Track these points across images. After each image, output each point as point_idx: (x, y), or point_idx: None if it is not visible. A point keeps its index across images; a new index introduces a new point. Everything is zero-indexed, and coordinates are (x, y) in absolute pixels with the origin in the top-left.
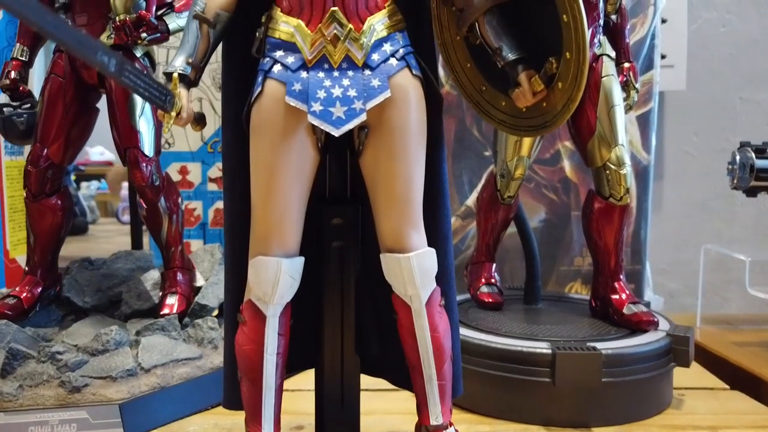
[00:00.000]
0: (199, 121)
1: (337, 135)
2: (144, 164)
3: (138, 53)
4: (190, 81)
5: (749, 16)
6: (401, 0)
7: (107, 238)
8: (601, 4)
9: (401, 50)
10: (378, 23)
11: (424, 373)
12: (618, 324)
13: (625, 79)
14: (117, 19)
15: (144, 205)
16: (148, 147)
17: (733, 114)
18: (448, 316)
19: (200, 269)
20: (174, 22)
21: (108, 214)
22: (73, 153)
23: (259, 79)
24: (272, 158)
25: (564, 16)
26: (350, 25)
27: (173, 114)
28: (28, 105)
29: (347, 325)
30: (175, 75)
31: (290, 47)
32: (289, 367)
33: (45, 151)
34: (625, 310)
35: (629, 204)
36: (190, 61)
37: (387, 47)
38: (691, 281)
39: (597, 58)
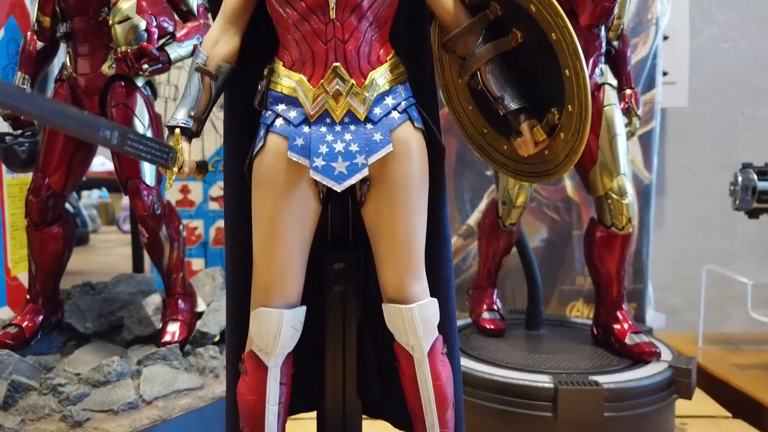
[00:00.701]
0: (200, 169)
1: (339, 191)
2: (145, 194)
3: (139, 83)
4: (192, 133)
5: (751, 32)
6: (403, 49)
7: (108, 249)
8: (603, 33)
9: (403, 103)
10: (380, 77)
11: (426, 420)
12: (620, 354)
13: (627, 106)
14: (119, 50)
15: (145, 234)
16: (149, 176)
17: (735, 130)
18: (450, 362)
19: (201, 294)
20: (175, 51)
21: (109, 220)
22: (74, 181)
23: (261, 132)
24: (274, 212)
25: (566, 70)
26: (352, 81)
27: (175, 170)
28: (29, 133)
29: (348, 370)
30: (177, 131)
31: (292, 101)
32: (291, 409)
33: (46, 180)
34: (627, 340)
35: (631, 233)
36: (192, 114)
37: (389, 100)
38: (692, 297)
39: (599, 87)
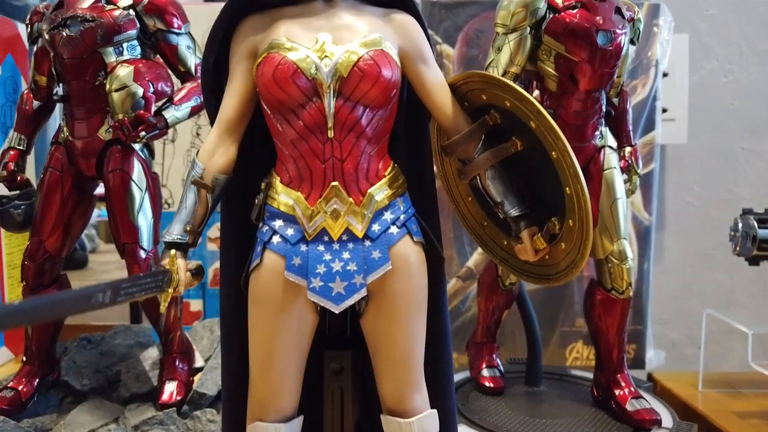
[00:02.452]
0: (196, 276)
1: (337, 312)
2: (143, 258)
3: (136, 146)
4: (188, 246)
5: (750, 67)
6: (403, 153)
7: (107, 273)
8: (603, 95)
9: (402, 216)
10: (378, 194)
11: None
12: (620, 419)
13: (627, 164)
14: (115, 119)
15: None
16: (146, 240)
17: (735, 164)
18: None
19: (199, 348)
20: (172, 114)
21: (108, 238)
22: (72, 242)
23: (258, 249)
24: (272, 330)
25: (567, 188)
26: (350, 199)
27: (170, 291)
28: (25, 193)
29: None
30: (173, 253)
31: (290, 218)
32: None
33: (43, 244)
34: (627, 406)
35: (631, 297)
36: (189, 228)
37: (387, 215)
38: (692, 331)
39: (599, 150)
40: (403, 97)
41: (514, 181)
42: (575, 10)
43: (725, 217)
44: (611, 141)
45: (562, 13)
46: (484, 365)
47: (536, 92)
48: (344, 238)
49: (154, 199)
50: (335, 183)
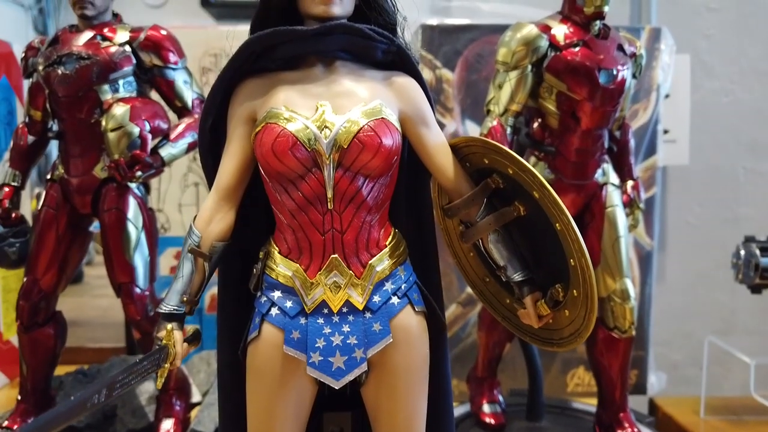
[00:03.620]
0: (193, 343)
1: (337, 387)
2: (139, 298)
3: (132, 184)
4: (185, 315)
5: (752, 86)
6: (403, 210)
7: (103, 288)
8: (606, 133)
9: (403, 286)
10: (379, 265)
11: None
12: None
13: (629, 198)
14: (111, 159)
15: (138, 335)
16: (143, 279)
17: (736, 184)
18: None
19: (196, 381)
20: (168, 152)
21: None
22: (67, 279)
23: (256, 320)
24: (269, 402)
25: (571, 260)
26: (351, 272)
27: (167, 366)
28: (20, 230)
29: None
30: (169, 327)
31: (288, 290)
32: None
33: (38, 283)
34: None
35: (634, 336)
36: (185, 299)
37: (388, 286)
38: (693, 352)
39: (601, 187)
40: (404, 157)
41: (516, 242)
42: (577, 48)
43: (727, 237)
44: (613, 178)
45: (564, 52)
46: (485, 401)
47: (537, 125)
48: (344, 310)
49: (150, 236)
50: (335, 255)
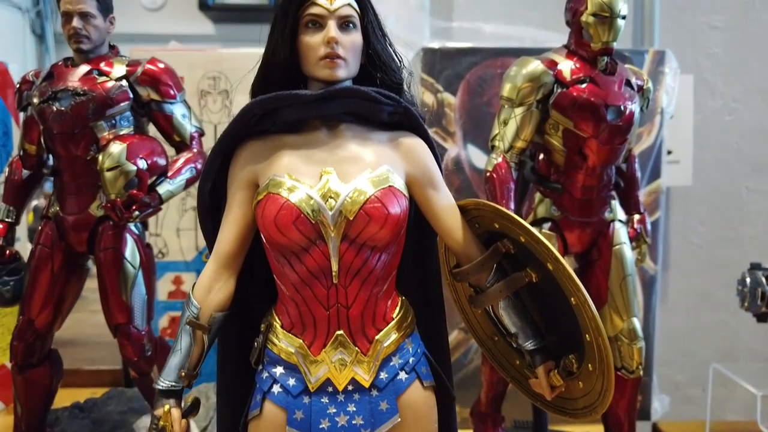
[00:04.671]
0: (192, 412)
1: None
2: (137, 339)
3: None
4: (183, 390)
5: (755, 105)
6: (409, 273)
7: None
8: (613, 169)
9: (411, 360)
10: (386, 340)
11: None
12: None
13: (635, 232)
14: (107, 199)
15: (135, 374)
16: (140, 319)
17: (739, 204)
18: None
19: (194, 417)
20: (166, 189)
21: None
22: (63, 318)
23: (258, 398)
24: None
25: (587, 335)
26: (357, 349)
27: None
28: (14, 268)
29: None
30: (167, 407)
31: (291, 367)
32: None
33: (32, 323)
34: None
35: (642, 376)
36: (184, 373)
37: (396, 361)
38: (697, 372)
39: (608, 224)
40: (411, 217)
41: (527, 306)
42: (584, 85)
43: (730, 257)
44: (621, 214)
45: (570, 88)
46: None
47: (542, 159)
48: (350, 388)
49: (147, 274)
50: (340, 332)
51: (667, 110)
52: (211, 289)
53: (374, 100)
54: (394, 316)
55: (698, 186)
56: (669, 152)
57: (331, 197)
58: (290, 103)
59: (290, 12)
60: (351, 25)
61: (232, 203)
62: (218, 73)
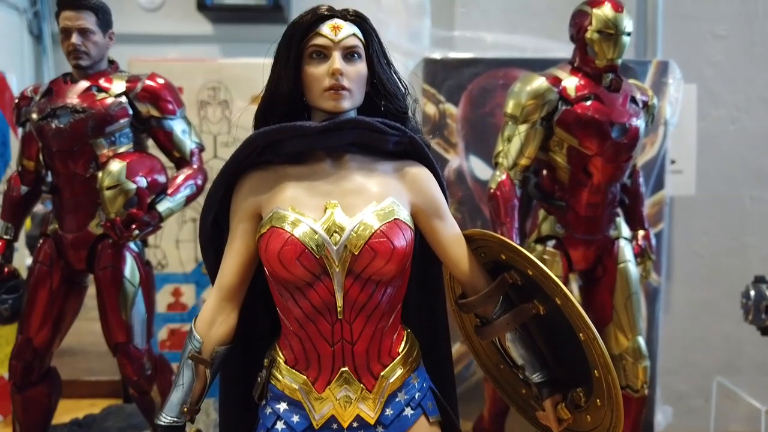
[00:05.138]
0: None
1: None
2: (136, 358)
3: None
4: (185, 426)
5: (759, 114)
6: (414, 300)
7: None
8: (618, 186)
9: (417, 395)
10: (392, 376)
11: None
12: None
13: (640, 249)
14: (107, 218)
15: (135, 393)
16: (140, 338)
17: (743, 213)
18: None
19: None
20: (166, 206)
21: None
22: (62, 336)
23: None
24: None
25: (595, 371)
26: (362, 385)
27: None
28: (13, 286)
29: None
30: None
31: (295, 403)
32: None
33: (31, 342)
34: None
35: (647, 395)
36: (186, 408)
37: (401, 396)
38: (700, 382)
39: (613, 242)
40: (416, 247)
41: (534, 336)
42: (588, 102)
43: (733, 266)
44: (625, 231)
45: (575, 105)
46: None
47: (546, 175)
48: (354, 425)
49: (147, 292)
50: (345, 368)
51: (671, 121)
52: (214, 323)
53: (380, 131)
54: (400, 350)
55: (701, 196)
56: (672, 162)
57: (336, 231)
58: (294, 135)
59: (294, 42)
60: (356, 55)
61: (235, 235)
62: (218, 84)
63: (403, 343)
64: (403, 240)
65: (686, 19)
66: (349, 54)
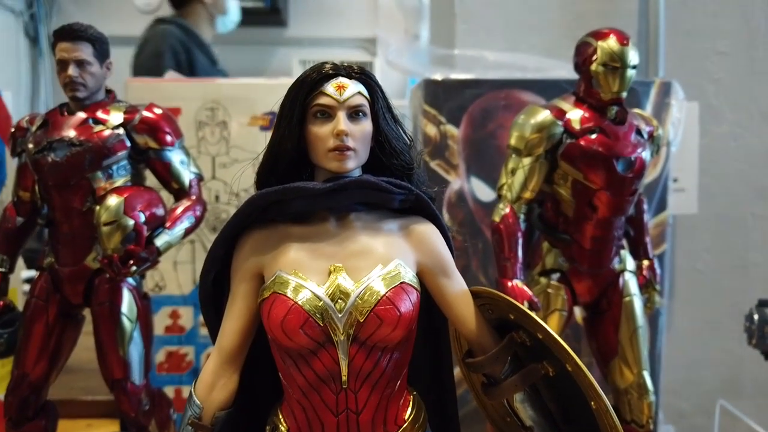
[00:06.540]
0: None
1: None
2: (134, 394)
3: None
4: None
5: (761, 131)
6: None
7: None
8: (623, 220)
9: None
10: None
11: None
12: None
13: (645, 280)
14: (104, 254)
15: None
16: (138, 374)
17: (745, 230)
18: None
19: None
20: (164, 240)
21: None
22: (59, 370)
23: None
24: None
25: None
26: None
27: None
28: (8, 320)
29: None
30: None
31: None
32: None
33: (27, 377)
34: None
35: (652, 430)
36: None
37: None
38: (702, 401)
39: (618, 275)
40: (421, 306)
41: (542, 395)
42: (593, 135)
43: (735, 284)
44: (630, 264)
45: (580, 139)
46: None
47: (550, 207)
48: None
49: (145, 327)
50: None
51: (674, 142)
52: (214, 387)
53: (386, 191)
54: (407, 417)
55: (704, 213)
56: (674, 180)
57: (340, 298)
58: (298, 196)
59: (298, 101)
60: (361, 114)
61: (236, 296)
62: (216, 104)
63: (410, 409)
64: (409, 304)
65: (688, 36)
66: (354, 113)
